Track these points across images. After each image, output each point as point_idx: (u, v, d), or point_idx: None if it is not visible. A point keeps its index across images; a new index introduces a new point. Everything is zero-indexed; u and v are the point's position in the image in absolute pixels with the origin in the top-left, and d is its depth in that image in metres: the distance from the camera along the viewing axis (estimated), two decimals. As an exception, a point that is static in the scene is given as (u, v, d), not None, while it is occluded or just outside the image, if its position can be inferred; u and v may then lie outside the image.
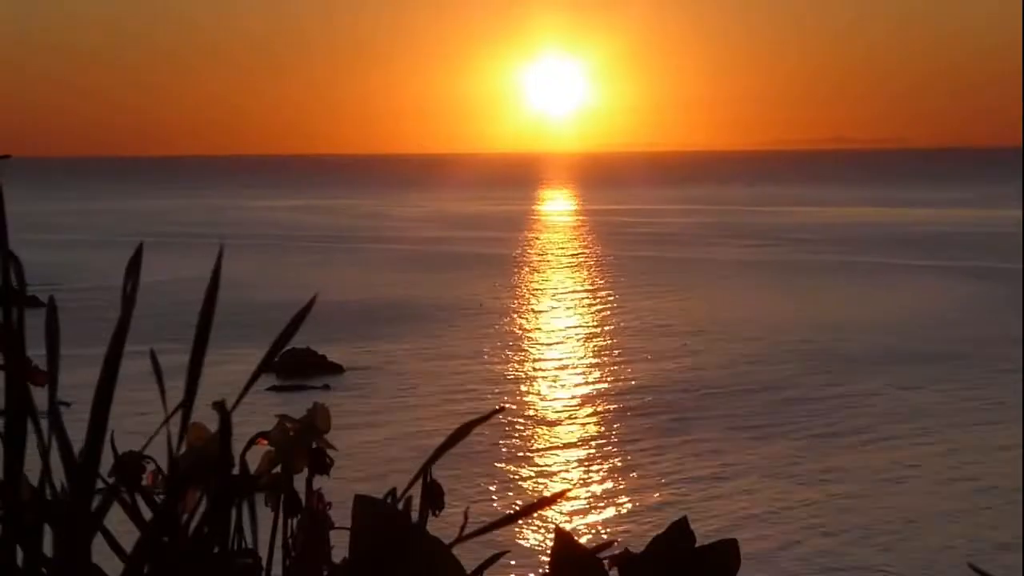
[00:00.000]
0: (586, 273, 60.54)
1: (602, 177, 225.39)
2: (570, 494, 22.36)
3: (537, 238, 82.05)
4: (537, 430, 27.44)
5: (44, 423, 1.82)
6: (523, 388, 31.81)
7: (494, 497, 22.12)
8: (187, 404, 1.85)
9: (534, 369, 34.54)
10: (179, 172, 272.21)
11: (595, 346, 38.50)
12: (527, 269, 61.49)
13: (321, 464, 2.21)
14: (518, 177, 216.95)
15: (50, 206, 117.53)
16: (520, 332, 40.95)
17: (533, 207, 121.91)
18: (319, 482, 2.22)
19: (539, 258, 68.04)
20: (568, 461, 25.24)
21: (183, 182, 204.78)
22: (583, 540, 2.31)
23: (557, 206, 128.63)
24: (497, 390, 31.16)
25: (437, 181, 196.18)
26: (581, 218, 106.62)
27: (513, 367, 34.65)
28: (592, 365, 35.35)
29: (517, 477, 23.75)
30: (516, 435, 26.60)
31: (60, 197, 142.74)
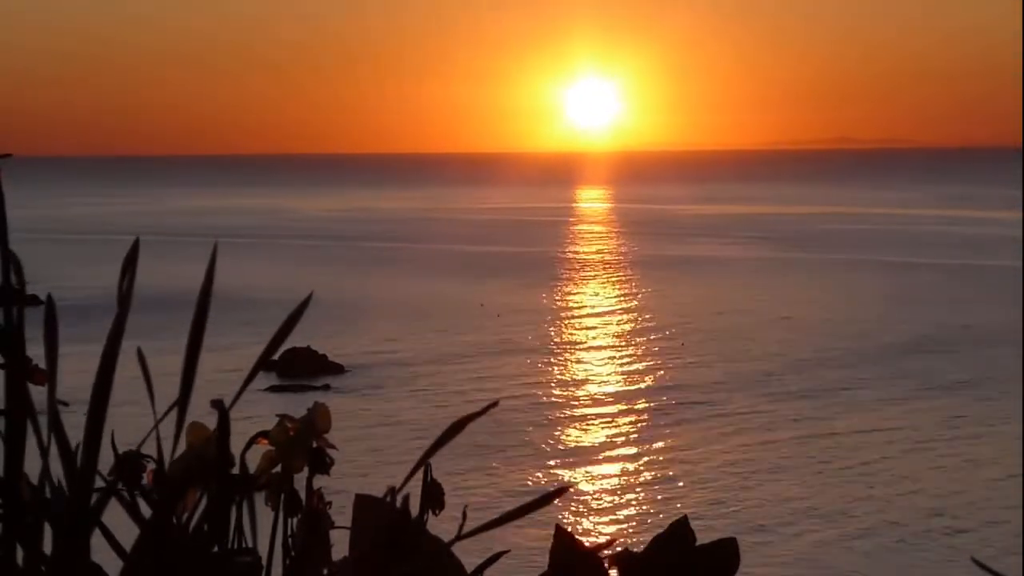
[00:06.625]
0: (587, 272, 60.52)
1: (617, 175, 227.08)
2: (572, 491, 22.34)
3: (542, 236, 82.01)
4: (535, 427, 27.43)
5: (43, 421, 1.81)
6: (523, 386, 31.79)
7: (494, 494, 22.11)
8: (182, 403, 1.84)
9: (534, 367, 34.52)
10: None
11: (596, 344, 38.50)
12: (528, 269, 61.45)
13: (321, 463, 2.20)
14: (543, 176, 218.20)
15: (52, 203, 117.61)
16: (520, 331, 40.92)
17: (534, 205, 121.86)
18: (319, 481, 2.22)
19: (540, 257, 68.00)
20: (566, 459, 25.23)
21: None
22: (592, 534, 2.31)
23: (564, 204, 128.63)
24: (498, 388, 31.15)
25: (478, 179, 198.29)
26: (585, 216, 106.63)
27: (513, 365, 34.64)
28: (593, 363, 35.34)
29: (517, 474, 23.75)
30: (515, 432, 26.58)
31: (61, 195, 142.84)
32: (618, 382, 32.78)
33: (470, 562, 2.13)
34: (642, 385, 32.19)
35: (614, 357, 36.39)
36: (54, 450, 1.81)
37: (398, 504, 2.09)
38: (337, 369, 33.25)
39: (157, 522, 1.84)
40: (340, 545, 2.15)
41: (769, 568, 18.54)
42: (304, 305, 1.90)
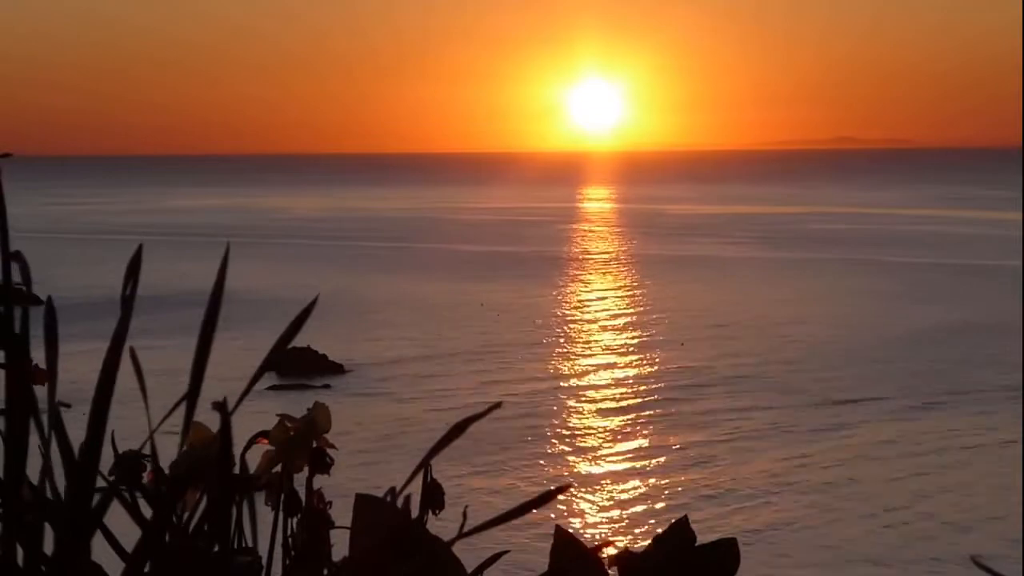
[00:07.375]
0: (588, 272, 60.51)
1: (621, 175, 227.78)
2: (572, 489, 22.35)
3: (543, 236, 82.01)
4: (536, 428, 27.43)
5: (44, 421, 1.82)
6: (524, 387, 31.78)
7: (494, 495, 22.11)
8: (191, 399, 1.85)
9: (534, 367, 34.52)
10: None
11: (596, 344, 38.50)
12: (528, 268, 61.45)
13: (321, 463, 2.21)
14: (547, 176, 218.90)
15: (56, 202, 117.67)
16: (520, 331, 40.92)
17: (537, 205, 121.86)
18: (319, 481, 2.23)
19: (541, 257, 68.01)
20: (566, 459, 25.24)
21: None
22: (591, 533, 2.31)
23: (567, 203, 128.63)
24: (499, 388, 31.15)
25: (481, 178, 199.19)
26: (587, 216, 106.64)
27: (513, 365, 34.63)
28: (593, 364, 35.34)
29: (518, 474, 23.75)
30: (516, 432, 26.59)
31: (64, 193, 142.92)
32: (618, 383, 32.77)
33: (470, 562, 2.13)
34: (642, 385, 32.17)
35: (614, 358, 36.37)
36: (54, 450, 1.81)
37: (399, 504, 2.09)
38: (337, 369, 33.22)
39: (157, 522, 1.84)
40: (340, 545, 2.16)
41: (773, 568, 18.57)
42: (310, 308, 1.91)
